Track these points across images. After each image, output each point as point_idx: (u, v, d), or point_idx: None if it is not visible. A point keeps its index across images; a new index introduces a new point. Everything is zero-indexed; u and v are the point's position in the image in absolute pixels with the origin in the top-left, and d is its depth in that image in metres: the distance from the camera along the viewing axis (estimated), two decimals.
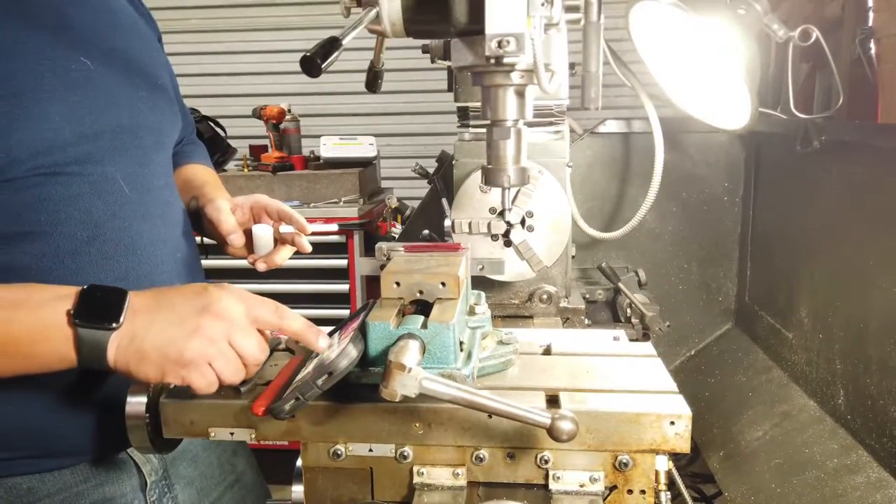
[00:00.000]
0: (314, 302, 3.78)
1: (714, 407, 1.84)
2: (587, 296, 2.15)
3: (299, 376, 1.11)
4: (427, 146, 5.00)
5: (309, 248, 1.50)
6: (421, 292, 1.17)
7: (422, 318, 1.11)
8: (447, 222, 1.93)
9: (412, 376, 0.98)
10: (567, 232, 1.70)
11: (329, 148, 3.86)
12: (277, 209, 1.49)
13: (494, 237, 1.71)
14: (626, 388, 1.13)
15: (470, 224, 1.70)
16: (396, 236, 2.24)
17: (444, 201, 2.08)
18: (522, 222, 1.70)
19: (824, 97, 2.11)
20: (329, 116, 5.14)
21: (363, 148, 3.88)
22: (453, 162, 1.90)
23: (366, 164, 3.96)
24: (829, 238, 1.62)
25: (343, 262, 3.73)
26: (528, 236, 1.70)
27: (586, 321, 1.96)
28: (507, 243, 1.71)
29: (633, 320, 2.08)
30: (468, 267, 1.32)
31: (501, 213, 1.69)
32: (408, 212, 2.34)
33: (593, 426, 1.05)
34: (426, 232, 1.93)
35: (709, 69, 1.85)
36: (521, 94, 1.19)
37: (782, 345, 1.83)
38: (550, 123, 1.83)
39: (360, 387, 1.09)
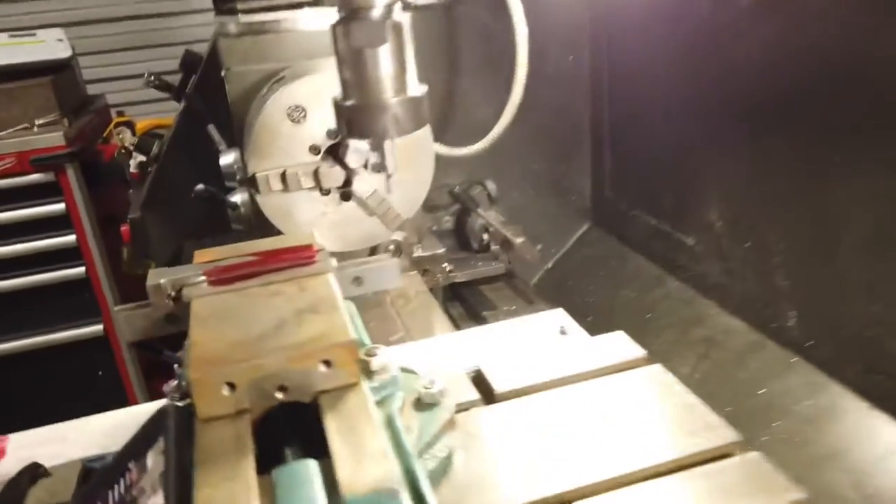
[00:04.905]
0: (35, 265, 2.77)
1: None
2: (434, 227, 1.65)
3: None
4: (153, 32, 3.75)
5: None
6: (283, 389, 0.58)
7: (309, 465, 0.53)
8: (226, 160, 1.27)
9: None
10: (431, 163, 1.15)
11: None
12: None
13: (324, 191, 1.10)
14: (673, 453, 0.68)
15: (284, 176, 1.07)
16: (146, 192, 1.50)
17: (213, 130, 1.37)
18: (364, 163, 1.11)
19: None
20: None
21: (49, 47, 2.79)
22: (224, 73, 1.20)
23: (59, 69, 2.87)
24: (747, 101, 1.25)
25: (60, 208, 2.74)
26: (376, 181, 1.11)
27: (448, 268, 1.48)
28: (346, 196, 1.11)
29: (493, 246, 1.65)
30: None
31: (333, 152, 1.08)
32: (154, 148, 1.58)
33: None
34: (201, 187, 1.24)
35: None
36: None
37: (677, 251, 1.53)
38: None
39: None
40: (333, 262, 0.72)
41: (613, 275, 1.71)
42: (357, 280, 0.74)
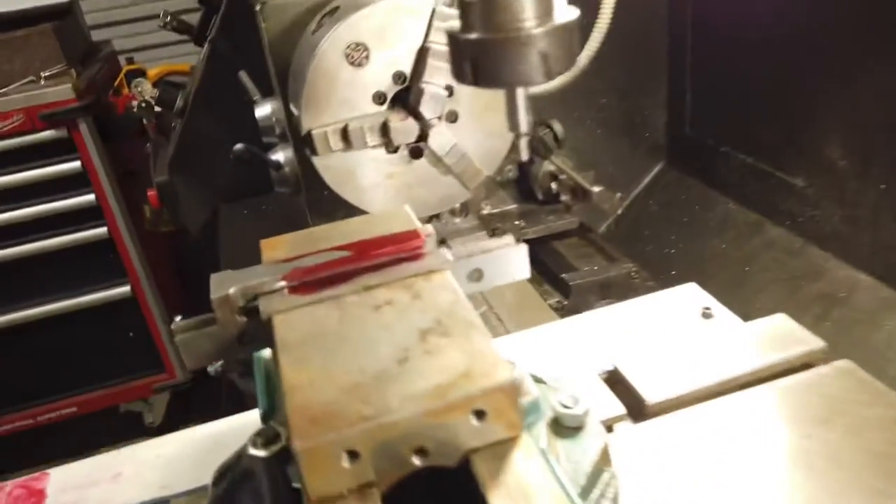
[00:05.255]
0: (54, 226, 2.61)
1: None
2: (497, 177, 1.46)
3: None
4: None
5: None
6: (422, 452, 0.41)
7: None
8: (262, 112, 1.09)
9: None
10: None
11: None
12: None
13: (391, 148, 0.91)
14: None
15: (346, 132, 0.88)
16: (173, 152, 1.32)
17: (245, 77, 1.18)
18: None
19: None
20: None
21: None
22: (258, 7, 1.00)
23: (61, 14, 2.66)
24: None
25: (75, 166, 2.57)
26: (455, 133, 0.92)
27: (521, 224, 1.30)
28: (416, 153, 0.93)
29: (563, 196, 1.46)
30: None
31: (402, 100, 0.88)
32: (178, 100, 1.39)
33: None
34: (241, 147, 1.06)
35: None
36: None
37: (781, 194, 1.33)
38: None
39: None
40: (447, 253, 0.54)
41: (698, 221, 1.52)
42: (475, 273, 0.56)
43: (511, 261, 0.57)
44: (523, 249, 0.57)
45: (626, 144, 1.66)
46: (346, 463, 0.40)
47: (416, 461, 0.41)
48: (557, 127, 1.49)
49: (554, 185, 1.46)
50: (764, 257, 1.35)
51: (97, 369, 2.84)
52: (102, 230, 2.62)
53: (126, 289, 2.73)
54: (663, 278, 1.45)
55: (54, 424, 2.84)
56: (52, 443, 2.92)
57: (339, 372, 0.44)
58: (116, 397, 2.94)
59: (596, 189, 1.36)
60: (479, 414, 0.41)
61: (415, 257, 0.54)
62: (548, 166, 1.45)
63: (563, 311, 1.30)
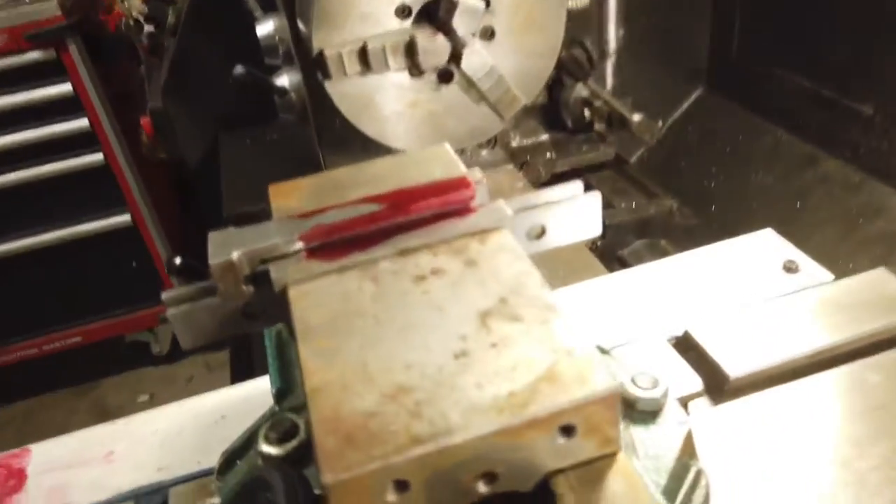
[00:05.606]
0: (47, 153, 2.48)
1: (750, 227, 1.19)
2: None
3: None
4: None
5: None
6: (490, 477, 0.32)
7: None
8: (264, 31, 0.97)
9: None
10: (562, 20, 0.81)
11: None
12: None
13: (417, 71, 0.78)
14: None
15: (365, 53, 0.75)
16: (166, 76, 1.17)
17: None
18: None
19: None
20: None
21: None
22: None
23: None
24: None
25: (66, 89, 2.42)
26: (491, 52, 0.79)
27: (552, 156, 1.18)
28: (445, 77, 0.79)
29: (598, 125, 1.33)
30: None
31: (430, 14, 0.75)
32: (169, 16, 1.24)
33: None
34: (241, 70, 0.93)
35: None
36: None
37: (842, 123, 1.20)
38: None
39: None
40: (504, 206, 0.43)
41: (742, 152, 1.39)
42: (537, 229, 0.45)
43: (582, 214, 0.46)
44: (596, 199, 0.46)
45: (663, 66, 1.51)
46: (391, 496, 0.30)
47: (482, 488, 0.32)
48: (590, 45, 1.34)
49: (587, 112, 1.32)
50: (818, 193, 1.23)
51: (100, 299, 2.78)
52: (98, 157, 2.49)
53: (126, 217, 2.63)
54: (706, 215, 1.34)
55: (60, 353, 2.81)
56: (60, 372, 2.90)
57: (378, 369, 0.34)
58: (121, 327, 2.89)
59: (636, 117, 1.23)
60: (567, 430, 0.31)
61: (464, 211, 0.43)
62: (581, 91, 1.32)
63: (598, 251, 1.20)
